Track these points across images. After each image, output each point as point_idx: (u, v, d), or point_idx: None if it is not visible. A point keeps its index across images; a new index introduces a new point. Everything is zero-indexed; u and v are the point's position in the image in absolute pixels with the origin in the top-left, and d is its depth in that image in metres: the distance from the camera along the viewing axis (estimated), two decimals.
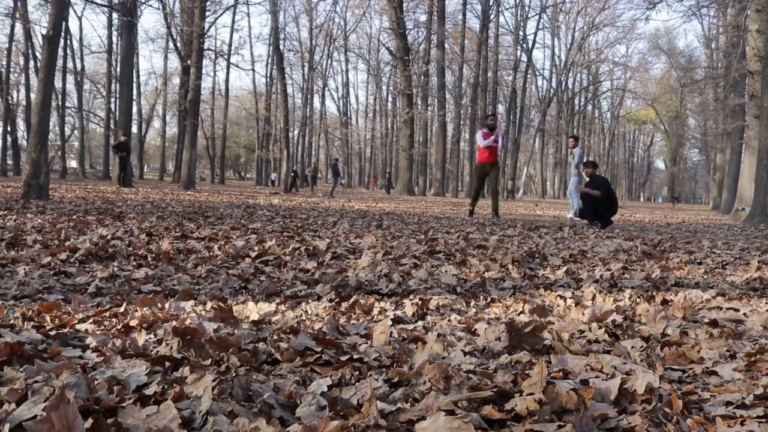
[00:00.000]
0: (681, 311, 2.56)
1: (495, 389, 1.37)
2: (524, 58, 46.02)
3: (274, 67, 42.90)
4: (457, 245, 5.10)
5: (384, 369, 1.62)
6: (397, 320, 2.35)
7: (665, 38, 56.94)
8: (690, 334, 2.19)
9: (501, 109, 51.81)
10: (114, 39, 36.76)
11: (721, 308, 2.75)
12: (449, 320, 2.38)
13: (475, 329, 2.18)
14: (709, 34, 37.80)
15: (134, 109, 35.74)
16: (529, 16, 47.45)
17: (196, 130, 24.59)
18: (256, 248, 4.27)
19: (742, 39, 19.46)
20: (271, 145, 47.02)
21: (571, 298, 2.96)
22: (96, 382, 1.37)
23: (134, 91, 32.07)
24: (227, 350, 1.67)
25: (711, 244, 6.53)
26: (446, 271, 3.64)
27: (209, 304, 2.47)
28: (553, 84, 52.72)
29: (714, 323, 2.32)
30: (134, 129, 39.16)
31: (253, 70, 49.04)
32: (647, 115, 68.59)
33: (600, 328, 2.15)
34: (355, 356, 1.72)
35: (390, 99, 58.42)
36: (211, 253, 4.03)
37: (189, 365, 1.51)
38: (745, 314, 2.58)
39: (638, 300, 2.93)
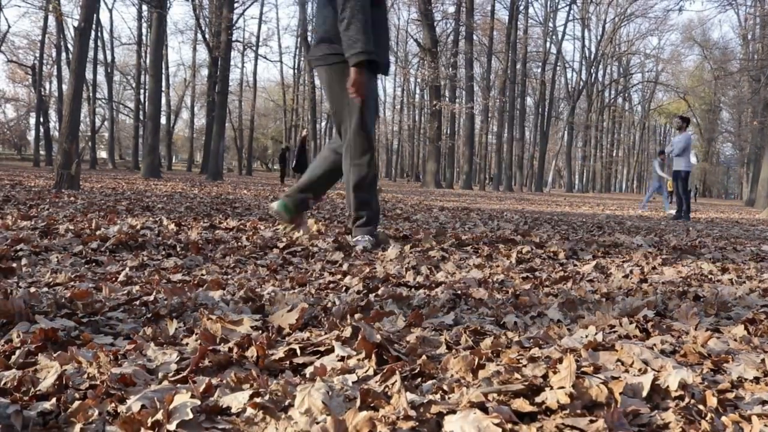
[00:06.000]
0: (714, 307, 2.51)
1: (525, 383, 1.35)
2: (553, 50, 45.57)
3: (302, 58, 43.04)
4: (485, 238, 5.07)
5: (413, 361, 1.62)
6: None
7: (699, 29, 55.92)
8: (724, 330, 2.15)
9: (529, 101, 51.38)
10: (143, 31, 37.20)
11: (757, 305, 2.69)
12: (478, 314, 2.37)
13: (504, 322, 2.16)
14: (746, 25, 36.99)
15: (163, 100, 36.14)
16: (559, 7, 47.00)
17: (223, 122, 24.80)
18: (284, 239, 4.29)
19: None
20: (299, 137, 47.30)
21: (601, 293, 2.92)
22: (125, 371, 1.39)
23: (163, 83, 32.41)
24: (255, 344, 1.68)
25: (743, 240, 6.41)
26: (474, 264, 3.62)
27: (238, 295, 2.49)
28: (583, 76, 52.09)
29: (750, 320, 2.27)
30: (163, 120, 39.61)
31: (281, 62, 49.28)
32: (679, 108, 67.46)
33: (631, 323, 2.11)
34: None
35: (418, 91, 58.20)
36: (239, 244, 4.06)
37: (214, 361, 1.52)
38: None
39: (670, 295, 2.89)
